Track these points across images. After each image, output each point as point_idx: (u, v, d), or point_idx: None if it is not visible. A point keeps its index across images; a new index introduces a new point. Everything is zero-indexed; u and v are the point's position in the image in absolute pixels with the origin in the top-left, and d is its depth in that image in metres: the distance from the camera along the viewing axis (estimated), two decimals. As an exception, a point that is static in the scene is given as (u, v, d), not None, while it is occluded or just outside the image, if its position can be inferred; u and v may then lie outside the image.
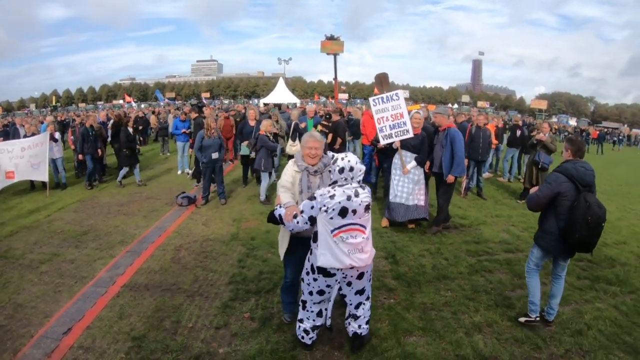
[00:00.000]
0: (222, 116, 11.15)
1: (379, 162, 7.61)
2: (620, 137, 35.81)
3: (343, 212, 2.75)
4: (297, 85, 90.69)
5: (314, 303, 3.13)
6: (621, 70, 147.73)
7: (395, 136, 5.96)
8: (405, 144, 5.99)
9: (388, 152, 6.52)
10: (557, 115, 75.78)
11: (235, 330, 3.52)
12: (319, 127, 8.74)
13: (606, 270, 4.91)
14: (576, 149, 3.53)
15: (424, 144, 5.96)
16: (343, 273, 2.93)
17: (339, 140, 8.86)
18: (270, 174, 7.72)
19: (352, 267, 2.84)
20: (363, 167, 2.95)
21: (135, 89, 52.44)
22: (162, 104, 40.28)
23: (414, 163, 5.96)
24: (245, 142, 8.72)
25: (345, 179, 2.90)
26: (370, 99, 6.22)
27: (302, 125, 9.17)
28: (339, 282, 2.99)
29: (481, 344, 3.37)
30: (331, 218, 2.76)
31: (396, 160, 6.10)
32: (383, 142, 6.09)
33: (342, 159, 2.90)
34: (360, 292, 3.07)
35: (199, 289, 4.28)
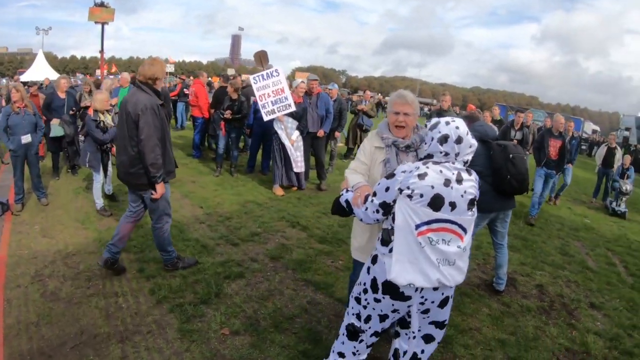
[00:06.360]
0: (31, 91, 7.79)
1: (225, 131, 7.28)
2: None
3: (436, 202, 1.83)
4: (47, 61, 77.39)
5: (370, 334, 2.12)
6: (374, 49, 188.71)
7: (278, 111, 6.22)
8: (289, 113, 6.32)
9: (234, 122, 6.97)
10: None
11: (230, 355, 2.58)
12: None
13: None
14: (470, 118, 3.76)
15: (306, 113, 6.41)
16: (422, 295, 1.94)
17: None
18: (106, 172, 5.45)
19: (436, 287, 1.93)
20: (475, 143, 1.96)
21: None
22: None
23: (297, 133, 6.36)
24: (56, 120, 6.48)
25: (447, 154, 1.91)
26: (251, 77, 6.31)
27: (114, 101, 6.83)
28: (409, 308, 2.01)
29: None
30: (417, 207, 1.86)
31: (279, 131, 6.28)
32: (266, 117, 6.25)
33: (448, 123, 1.93)
34: (440, 325, 2.09)
35: (123, 325, 2.96)
